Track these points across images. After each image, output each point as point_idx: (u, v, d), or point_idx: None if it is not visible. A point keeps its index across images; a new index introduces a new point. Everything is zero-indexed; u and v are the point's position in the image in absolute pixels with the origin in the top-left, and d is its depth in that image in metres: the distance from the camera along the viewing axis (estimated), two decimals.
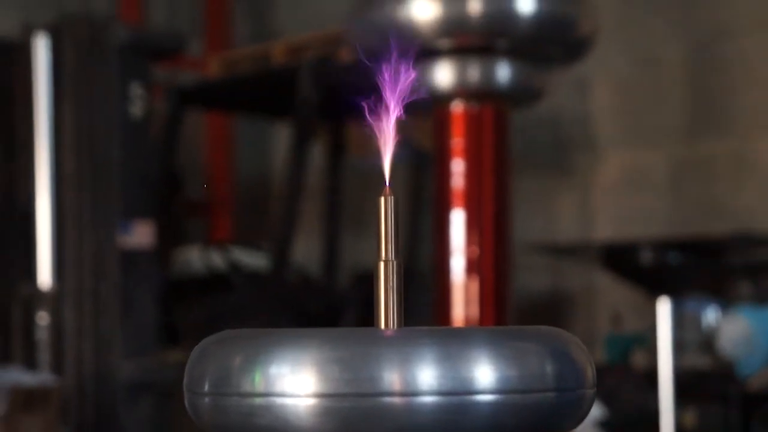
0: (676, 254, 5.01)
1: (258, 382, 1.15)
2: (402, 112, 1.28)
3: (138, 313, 4.55)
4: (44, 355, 4.51)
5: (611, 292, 5.68)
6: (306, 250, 6.16)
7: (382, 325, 1.24)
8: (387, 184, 1.27)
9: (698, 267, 5.04)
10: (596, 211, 5.90)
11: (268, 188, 7.12)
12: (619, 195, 5.84)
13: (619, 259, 5.19)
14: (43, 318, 4.53)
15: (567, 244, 5.75)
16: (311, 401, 1.13)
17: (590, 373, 1.21)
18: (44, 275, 4.57)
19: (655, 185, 5.72)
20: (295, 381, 1.13)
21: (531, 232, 5.71)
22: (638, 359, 4.77)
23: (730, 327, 4.57)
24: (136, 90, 4.60)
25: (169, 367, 4.64)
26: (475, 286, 3.71)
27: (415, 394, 1.12)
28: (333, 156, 6.07)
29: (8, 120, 4.73)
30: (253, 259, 5.56)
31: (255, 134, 7.26)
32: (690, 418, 4.44)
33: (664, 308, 3.88)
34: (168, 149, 5.77)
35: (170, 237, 5.61)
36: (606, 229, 5.81)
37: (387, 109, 1.28)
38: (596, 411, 4.11)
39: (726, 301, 4.72)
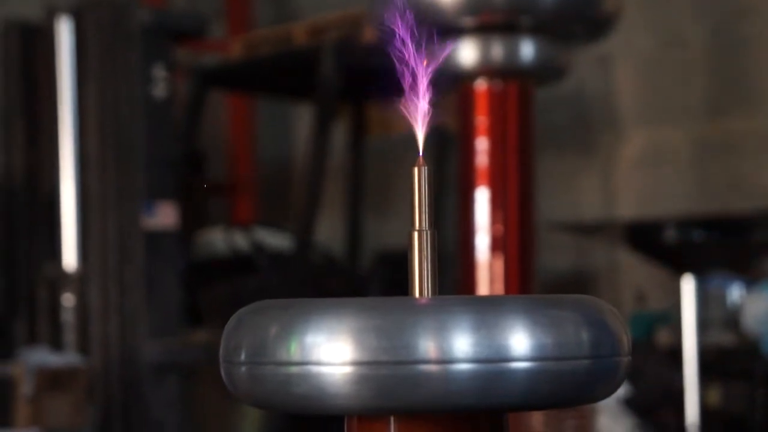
0: (700, 232, 5.00)
1: (294, 351, 1.15)
2: (434, 85, 1.28)
3: (162, 293, 4.57)
4: (70, 336, 4.54)
5: (635, 271, 5.68)
6: (329, 231, 6.17)
7: (417, 294, 1.24)
8: (420, 154, 1.28)
9: (722, 244, 5.03)
10: (619, 189, 5.89)
11: (291, 169, 7.13)
12: (642, 173, 5.82)
13: (643, 237, 5.18)
14: (68, 299, 4.56)
15: (591, 223, 5.74)
16: (347, 369, 1.13)
17: (626, 340, 1.22)
18: (69, 257, 4.59)
19: (679, 163, 5.71)
20: (331, 349, 1.14)
21: (554, 210, 5.70)
22: (663, 337, 4.76)
23: (755, 304, 4.56)
24: (159, 72, 4.61)
25: (193, 347, 4.66)
26: (499, 264, 3.71)
27: (451, 361, 1.12)
28: (355, 136, 6.08)
29: (32, 103, 4.75)
30: (277, 240, 5.56)
31: (277, 115, 7.26)
32: (714, 395, 4.43)
33: (688, 286, 3.88)
34: (191, 131, 5.78)
35: (193, 218, 5.62)
36: (629, 207, 5.80)
37: (416, 83, 1.28)
38: (620, 389, 4.11)
39: (750, 278, 4.70)
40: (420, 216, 1.26)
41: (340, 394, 1.14)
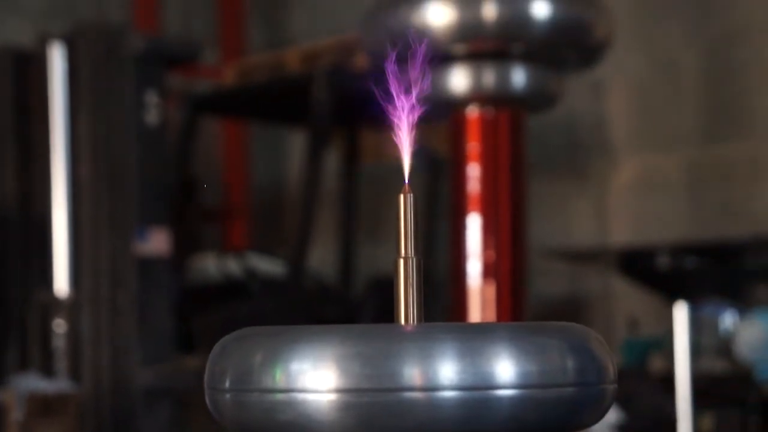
0: (693, 258, 5.00)
1: (279, 378, 1.15)
2: (419, 113, 1.28)
3: (154, 320, 4.56)
4: (61, 362, 4.52)
5: (628, 297, 5.67)
6: (322, 257, 6.16)
7: (402, 321, 1.24)
8: (406, 181, 1.28)
9: (715, 271, 5.03)
10: (612, 215, 5.89)
11: (284, 195, 7.13)
12: (635, 199, 5.83)
13: (636, 263, 5.18)
14: (60, 325, 4.54)
15: (583, 249, 5.73)
16: (332, 397, 1.13)
17: (611, 368, 1.21)
18: (61, 283, 4.58)
19: (672, 189, 5.71)
20: (316, 377, 1.14)
21: (547, 236, 5.70)
22: (655, 364, 4.75)
23: (748, 331, 4.55)
24: (152, 98, 4.61)
25: (185, 373, 4.64)
26: (491, 290, 3.71)
27: (436, 389, 1.12)
28: (348, 162, 6.08)
29: (25, 129, 4.75)
30: (269, 266, 5.56)
31: (270, 141, 7.27)
32: (708, 423, 4.42)
33: (681, 313, 3.87)
34: (183, 157, 5.78)
35: (186, 244, 5.62)
36: (622, 234, 5.80)
37: (404, 110, 1.28)
38: (613, 415, 4.10)
39: (743, 305, 4.70)
40: (406, 243, 1.26)
41: (325, 421, 1.14)
